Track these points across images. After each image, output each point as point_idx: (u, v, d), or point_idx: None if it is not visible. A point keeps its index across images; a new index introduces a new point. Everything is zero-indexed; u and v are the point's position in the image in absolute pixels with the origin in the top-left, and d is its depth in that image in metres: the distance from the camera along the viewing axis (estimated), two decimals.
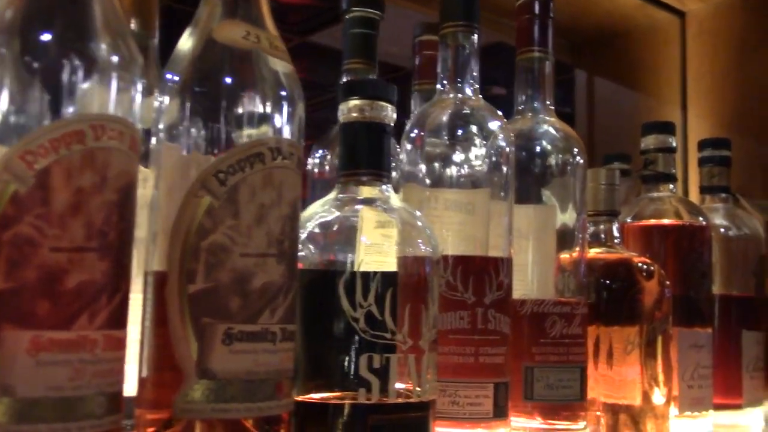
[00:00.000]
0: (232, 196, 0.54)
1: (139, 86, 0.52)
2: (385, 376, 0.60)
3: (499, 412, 0.71)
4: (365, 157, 0.67)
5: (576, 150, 0.85)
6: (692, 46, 1.25)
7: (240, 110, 0.56)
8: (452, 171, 0.77)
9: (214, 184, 0.54)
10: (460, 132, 0.77)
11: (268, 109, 0.57)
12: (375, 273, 0.62)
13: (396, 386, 0.61)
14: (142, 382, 0.55)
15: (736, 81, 1.20)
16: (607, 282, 0.88)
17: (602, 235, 0.93)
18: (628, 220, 1.01)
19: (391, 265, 0.68)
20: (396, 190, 0.77)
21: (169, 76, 0.57)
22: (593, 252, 0.92)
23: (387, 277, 0.62)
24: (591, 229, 0.93)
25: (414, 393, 0.62)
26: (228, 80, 0.57)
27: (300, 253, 0.64)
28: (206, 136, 0.55)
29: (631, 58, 1.33)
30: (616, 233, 0.93)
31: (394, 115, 0.69)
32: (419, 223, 0.68)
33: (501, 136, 0.78)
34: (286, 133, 0.58)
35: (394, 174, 0.85)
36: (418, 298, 0.64)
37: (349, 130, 0.68)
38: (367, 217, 0.69)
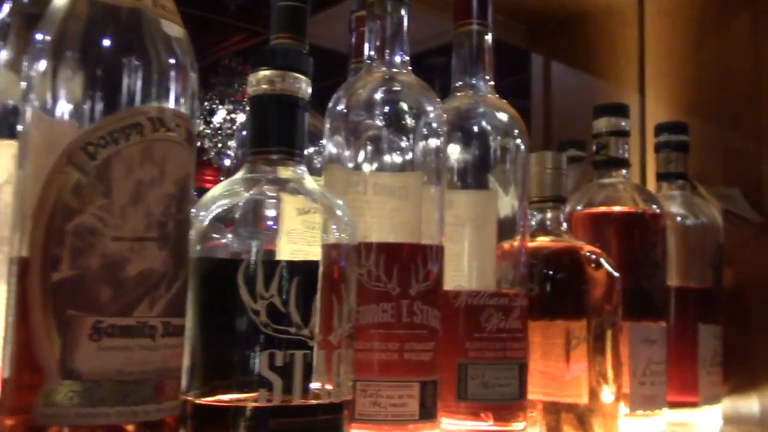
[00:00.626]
0: (104, 172, 0.47)
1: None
2: (288, 375, 0.54)
3: (426, 414, 0.65)
4: (276, 133, 0.61)
5: (517, 131, 0.79)
6: (650, 27, 1.19)
7: (119, 76, 0.50)
8: (381, 152, 0.71)
9: (83, 158, 0.47)
10: (388, 109, 0.71)
11: (154, 77, 0.51)
12: (279, 261, 0.56)
13: (310, 386, 0.55)
14: (3, 384, 0.48)
15: (696, 63, 1.14)
16: (551, 272, 0.82)
17: (548, 223, 0.87)
18: (579, 207, 0.96)
19: (315, 254, 0.62)
20: (315, 172, 0.71)
21: (39, 36, 0.50)
22: (538, 241, 0.86)
23: (293, 266, 0.56)
24: (536, 216, 0.88)
25: (323, 393, 0.56)
26: (106, 42, 0.50)
27: (197, 238, 0.58)
28: (79, 106, 0.49)
29: (588, 41, 1.27)
30: (562, 221, 0.87)
31: (309, 89, 0.62)
32: (336, 209, 0.62)
33: (434, 114, 0.72)
34: (173, 104, 0.52)
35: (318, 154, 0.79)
36: (331, 289, 0.58)
37: (258, 104, 0.61)
38: (288, 202, 0.63)
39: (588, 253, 0.86)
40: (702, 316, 1.00)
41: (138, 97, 0.50)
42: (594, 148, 0.98)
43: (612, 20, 1.24)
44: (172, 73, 0.52)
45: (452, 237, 0.78)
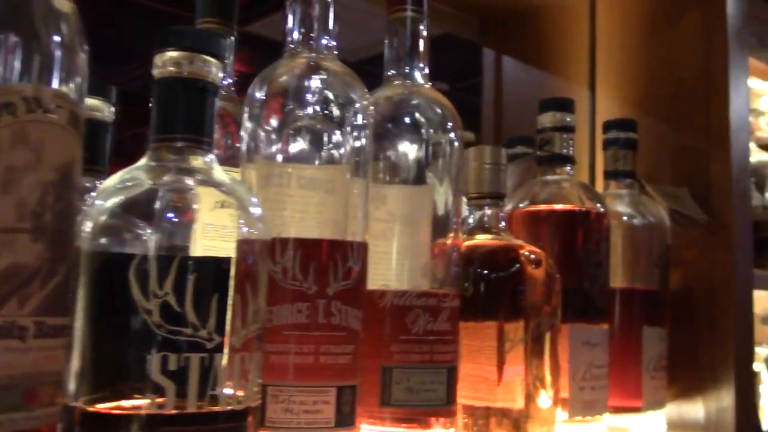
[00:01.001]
0: None
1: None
2: (183, 380, 0.50)
3: (343, 421, 0.61)
4: (183, 120, 0.57)
5: (451, 124, 0.75)
6: (602, 21, 1.16)
7: None
8: (306, 143, 0.67)
9: None
10: (313, 98, 0.67)
11: (35, 55, 0.46)
12: (174, 257, 0.52)
13: (211, 392, 0.51)
14: None
15: (647, 59, 1.12)
16: (486, 272, 0.79)
17: (486, 221, 0.84)
18: (521, 205, 0.92)
19: (229, 251, 0.58)
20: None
21: None
22: (475, 239, 0.82)
23: (192, 262, 0.52)
24: (474, 213, 0.84)
25: (224, 399, 0.52)
26: None
27: (92, 231, 0.53)
28: None
29: (539, 36, 1.24)
30: (501, 219, 0.84)
31: (221, 74, 0.58)
32: (247, 202, 0.58)
33: (361, 104, 0.68)
34: (56, 84, 0.47)
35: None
36: (236, 287, 0.54)
37: (163, 87, 0.57)
38: (202, 194, 0.58)
39: (527, 253, 0.83)
40: (647, 319, 0.98)
41: (14, 75, 0.45)
42: (538, 143, 0.94)
43: (563, 14, 1.21)
44: (57, 52, 0.47)
45: (385, 234, 0.74)
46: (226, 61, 0.81)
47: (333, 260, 0.63)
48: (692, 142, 1.06)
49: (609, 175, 1.04)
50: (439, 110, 0.76)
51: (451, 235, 0.76)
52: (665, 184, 1.06)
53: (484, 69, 1.32)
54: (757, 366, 1.43)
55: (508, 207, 0.94)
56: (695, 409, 1.02)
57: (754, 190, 1.21)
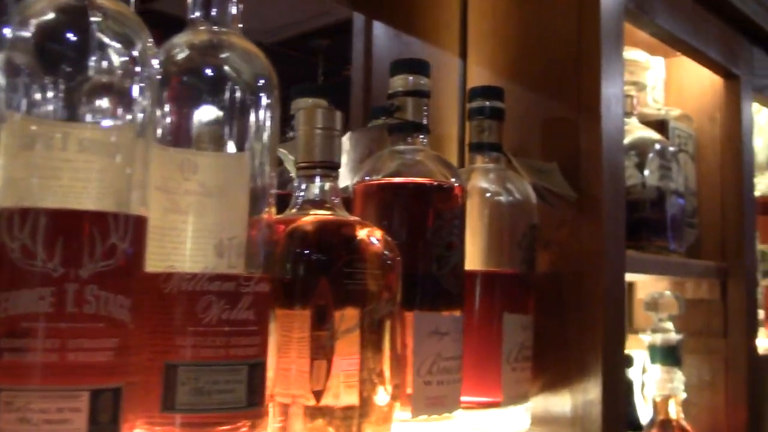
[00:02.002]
0: None
1: None
2: None
3: (101, 431, 0.50)
4: None
5: (264, 81, 0.65)
6: None
7: None
8: (77, 97, 0.55)
9: None
10: (75, 37, 0.55)
11: None
12: None
13: None
14: None
15: (519, 24, 1.03)
16: (307, 252, 0.68)
17: (317, 194, 0.73)
18: (367, 177, 0.82)
19: None
20: None
21: None
22: (304, 215, 0.72)
23: None
24: (303, 185, 0.74)
25: None
26: None
27: None
28: None
29: (411, 0, 1.14)
30: (334, 192, 0.74)
31: None
32: None
33: (143, 47, 0.56)
34: None
35: None
36: None
37: None
38: None
39: (362, 231, 0.73)
40: (508, 305, 0.89)
41: None
42: (389, 109, 0.84)
43: None
44: None
45: (196, 208, 0.63)
46: None
47: (89, 236, 0.51)
48: (563, 114, 0.97)
49: (473, 147, 0.95)
50: (251, 64, 0.65)
51: (267, 210, 0.65)
52: (535, 159, 0.98)
53: (353, 34, 1.21)
54: (641, 354, 1.38)
55: (354, 180, 0.84)
56: (562, 403, 0.94)
57: (634, 168, 1.14)
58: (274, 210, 0.66)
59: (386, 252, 0.73)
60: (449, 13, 1.10)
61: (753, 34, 1.38)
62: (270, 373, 0.65)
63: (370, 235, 0.73)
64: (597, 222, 0.93)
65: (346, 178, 0.85)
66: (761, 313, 1.59)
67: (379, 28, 1.18)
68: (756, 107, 1.62)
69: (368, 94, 1.18)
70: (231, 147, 0.64)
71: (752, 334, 1.36)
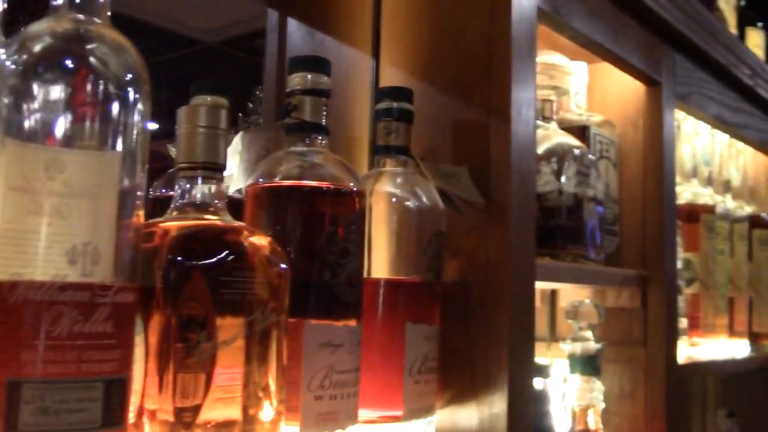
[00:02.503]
0: None
1: None
2: None
3: None
4: None
5: (132, 75, 0.60)
6: None
7: None
8: None
9: None
10: None
11: None
12: None
13: None
14: None
15: (432, 23, 1.00)
16: (180, 259, 0.64)
17: (198, 197, 0.69)
18: (261, 180, 0.78)
19: None
20: None
21: None
22: (182, 219, 0.67)
23: None
24: (184, 187, 0.69)
25: None
26: None
27: None
28: None
29: None
30: (219, 195, 0.69)
31: None
32: None
33: None
34: None
35: None
36: None
37: None
38: None
39: (247, 236, 0.68)
40: (411, 315, 0.85)
41: None
42: (284, 108, 0.80)
43: None
44: None
45: (60, 211, 0.58)
46: None
47: None
48: (474, 117, 0.94)
49: (380, 150, 0.92)
50: (120, 56, 0.60)
51: (136, 213, 0.60)
52: (445, 163, 0.94)
53: (267, 31, 1.17)
54: (562, 363, 1.36)
55: (248, 182, 0.79)
56: (469, 416, 0.91)
57: (551, 174, 1.12)
58: (142, 213, 0.61)
59: (273, 259, 0.69)
60: (363, 11, 1.06)
61: (675, 40, 1.37)
62: (137, 386, 0.61)
63: (256, 241, 0.69)
64: (504, 229, 0.90)
65: (239, 181, 0.81)
66: (684, 322, 1.59)
67: (293, 26, 1.14)
68: (683, 115, 1.62)
69: (281, 93, 1.14)
70: (99, 145, 0.59)
71: (672, 343, 1.35)
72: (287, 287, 0.70)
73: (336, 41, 1.08)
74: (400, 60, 1.02)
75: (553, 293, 1.44)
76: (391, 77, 1.03)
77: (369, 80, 1.05)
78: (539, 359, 1.35)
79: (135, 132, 0.60)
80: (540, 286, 1.16)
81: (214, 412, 0.65)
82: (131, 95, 0.60)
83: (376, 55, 1.05)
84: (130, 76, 0.60)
